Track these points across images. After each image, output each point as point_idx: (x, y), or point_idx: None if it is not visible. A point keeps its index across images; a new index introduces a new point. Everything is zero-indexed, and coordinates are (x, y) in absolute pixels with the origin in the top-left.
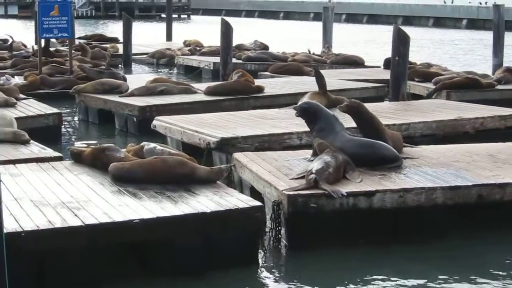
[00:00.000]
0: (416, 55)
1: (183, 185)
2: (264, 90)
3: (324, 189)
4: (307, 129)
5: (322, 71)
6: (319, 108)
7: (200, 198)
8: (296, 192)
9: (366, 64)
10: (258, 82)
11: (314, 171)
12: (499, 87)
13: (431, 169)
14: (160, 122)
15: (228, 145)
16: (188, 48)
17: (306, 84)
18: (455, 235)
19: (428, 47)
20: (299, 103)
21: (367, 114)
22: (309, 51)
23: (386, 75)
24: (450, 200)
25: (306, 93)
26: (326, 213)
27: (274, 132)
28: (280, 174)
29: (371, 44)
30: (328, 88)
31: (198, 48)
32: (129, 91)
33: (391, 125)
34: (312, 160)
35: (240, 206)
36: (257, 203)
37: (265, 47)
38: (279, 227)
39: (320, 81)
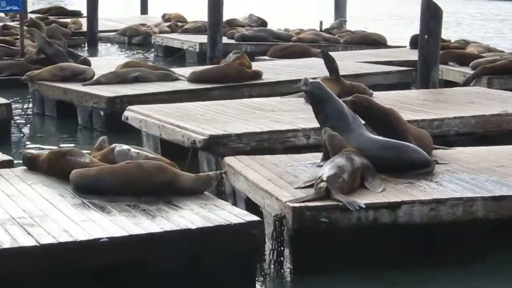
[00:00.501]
0: (451, 33)
1: (163, 196)
2: (262, 76)
3: (337, 200)
4: (316, 124)
5: (335, 53)
6: (327, 95)
7: (183, 212)
8: (303, 204)
9: (388, 43)
10: (256, 66)
11: (325, 178)
12: None
13: (469, 176)
14: (133, 114)
15: (219, 145)
16: (168, 24)
17: (314, 68)
18: (499, 256)
19: (465, 23)
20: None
21: (380, 110)
22: (320, 26)
23: (414, 56)
24: (493, 213)
25: (314, 78)
26: (340, 230)
27: (276, 128)
28: (282, 183)
29: (396, 20)
30: (342, 72)
31: (180, 24)
32: (94, 78)
33: (420, 120)
34: (322, 166)
35: (233, 221)
36: (254, 217)
37: (263, 23)
38: (282, 247)
39: (331, 64)
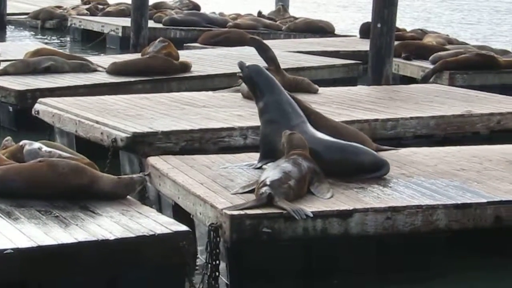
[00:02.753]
0: (407, 22)
1: (79, 201)
2: (190, 69)
3: (281, 207)
4: (255, 123)
5: (276, 41)
6: (267, 81)
7: (102, 220)
8: (242, 212)
9: (336, 32)
10: (184, 56)
11: (268, 183)
12: None
13: (428, 181)
14: (45, 107)
15: (143, 144)
16: (87, 6)
17: (251, 58)
18: (463, 271)
19: (426, 11)
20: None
21: (307, 111)
22: (260, 13)
23: (364, 46)
24: (456, 223)
25: None
26: (285, 241)
27: (208, 126)
28: (217, 187)
29: (346, 7)
30: (283, 65)
31: (100, 6)
32: (0, 67)
33: (372, 120)
34: (261, 167)
35: (157, 231)
36: (183, 227)
37: (196, 6)
38: (217, 261)
39: (265, 54)
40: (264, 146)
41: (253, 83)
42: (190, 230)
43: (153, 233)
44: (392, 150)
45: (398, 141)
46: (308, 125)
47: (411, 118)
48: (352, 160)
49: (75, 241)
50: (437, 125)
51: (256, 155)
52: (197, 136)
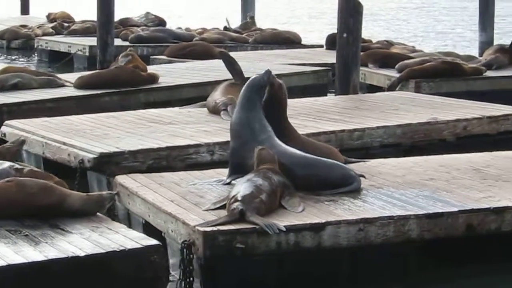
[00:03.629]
0: (372, 31)
1: (49, 219)
2: (158, 80)
3: (254, 222)
4: (221, 138)
5: (243, 53)
6: (245, 94)
7: (72, 237)
8: (215, 228)
9: (303, 43)
10: (152, 69)
11: (239, 198)
12: (489, 73)
13: (398, 191)
14: (11, 129)
15: (110, 164)
16: (52, 24)
17: (217, 70)
18: (437, 281)
19: (390, 19)
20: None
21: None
22: (227, 24)
23: (331, 58)
24: (428, 232)
25: (218, 82)
26: (258, 256)
27: (175, 144)
28: (187, 204)
29: (314, 18)
30: (246, 75)
31: (66, 24)
32: None
33: (338, 131)
34: (230, 183)
35: (128, 246)
36: (153, 241)
37: (161, 22)
38: (191, 278)
39: (232, 67)
40: (232, 160)
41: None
42: (161, 244)
43: (123, 248)
44: (360, 162)
45: (366, 151)
46: (276, 139)
47: (378, 127)
48: (322, 175)
49: (45, 258)
50: (403, 134)
51: (225, 171)
52: (164, 154)
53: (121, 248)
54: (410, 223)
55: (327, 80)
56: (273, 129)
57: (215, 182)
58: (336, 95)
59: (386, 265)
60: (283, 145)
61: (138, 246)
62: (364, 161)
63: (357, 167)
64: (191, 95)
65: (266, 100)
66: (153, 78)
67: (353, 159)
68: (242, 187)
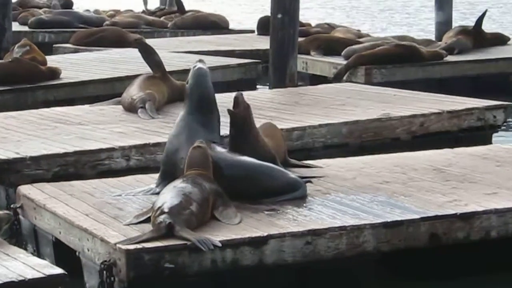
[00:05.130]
0: (312, 13)
1: None
2: (59, 75)
3: (184, 238)
4: (139, 141)
5: (161, 40)
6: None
7: None
8: (139, 246)
9: (231, 28)
10: (53, 61)
11: (166, 210)
12: (450, 58)
13: (348, 197)
14: None
15: (9, 172)
16: None
17: (132, 62)
18: None
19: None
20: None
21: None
22: (145, 7)
23: (263, 44)
24: (386, 244)
25: (133, 77)
26: (191, 277)
27: (85, 148)
28: (105, 218)
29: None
30: (168, 67)
31: None
32: None
33: None
34: (159, 192)
35: (28, 275)
36: (57, 270)
37: (68, 4)
38: None
39: (151, 57)
40: (165, 166)
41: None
42: (66, 273)
43: (23, 278)
44: (309, 165)
45: (307, 153)
46: (217, 145)
47: (320, 125)
48: (265, 183)
49: None
50: (350, 133)
51: (146, 178)
52: (72, 160)
53: (20, 278)
54: (365, 233)
55: (256, 74)
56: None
57: (143, 192)
58: (271, 88)
59: (339, 283)
60: (221, 149)
61: (40, 275)
62: (312, 166)
63: (297, 169)
64: (98, 92)
65: (234, 133)
66: (54, 73)
67: (294, 161)
68: (168, 196)
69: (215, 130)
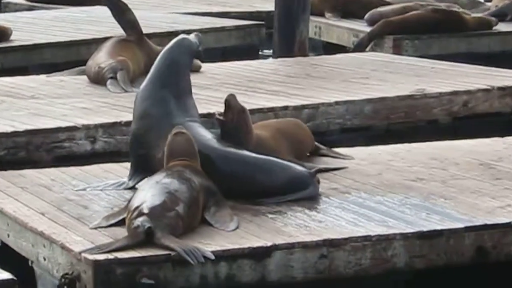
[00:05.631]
0: None
1: None
2: (9, 36)
3: (167, 246)
4: (107, 118)
5: None
6: (174, 62)
7: None
8: (110, 256)
9: None
10: (1, 19)
11: (145, 211)
12: (500, 27)
13: (373, 197)
14: None
15: None
16: None
17: (100, 22)
18: None
19: None
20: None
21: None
22: None
23: (267, 3)
24: (421, 260)
25: (102, 40)
26: None
27: (39, 126)
28: (66, 219)
29: None
30: (149, 29)
31: None
32: None
33: (280, 108)
34: (134, 187)
35: None
36: (5, 274)
37: None
38: None
39: (123, 17)
40: (134, 152)
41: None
42: (14, 279)
43: None
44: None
45: (320, 138)
46: (199, 126)
47: (337, 103)
48: (266, 180)
49: None
50: (374, 113)
51: (116, 168)
52: (22, 141)
53: None
54: (395, 245)
55: (258, 39)
56: None
57: (113, 186)
58: (276, 57)
59: None
60: (204, 130)
61: None
62: (342, 156)
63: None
64: (57, 59)
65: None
66: (2, 34)
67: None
68: (149, 194)
69: (192, 107)
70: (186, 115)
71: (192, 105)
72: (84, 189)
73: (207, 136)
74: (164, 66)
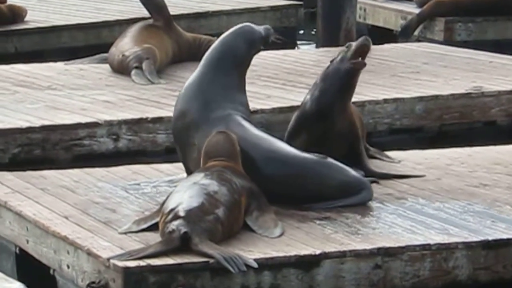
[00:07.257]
0: None
1: None
2: (24, 17)
3: (205, 253)
4: (132, 114)
5: None
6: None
7: None
8: (142, 263)
9: None
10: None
11: (181, 214)
12: None
13: (432, 204)
14: None
15: None
16: None
17: (125, 2)
18: None
19: None
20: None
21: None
22: None
23: None
24: (486, 272)
25: (126, 23)
26: None
27: (57, 122)
28: (93, 223)
29: None
30: (177, 10)
31: None
32: None
33: None
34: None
35: None
36: (15, 284)
37: None
38: None
39: (150, 1)
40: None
41: None
42: None
43: None
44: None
45: (368, 138)
46: (244, 120)
47: (385, 101)
48: (314, 178)
49: None
50: (426, 112)
51: (145, 169)
52: (38, 138)
53: None
54: (457, 256)
55: (296, 22)
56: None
57: (169, 183)
58: (318, 47)
59: None
60: (249, 125)
61: None
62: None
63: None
64: (76, 42)
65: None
66: (16, 15)
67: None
68: (185, 195)
69: (240, 101)
70: (230, 108)
71: (241, 99)
72: (138, 184)
73: (251, 131)
74: (217, 53)
